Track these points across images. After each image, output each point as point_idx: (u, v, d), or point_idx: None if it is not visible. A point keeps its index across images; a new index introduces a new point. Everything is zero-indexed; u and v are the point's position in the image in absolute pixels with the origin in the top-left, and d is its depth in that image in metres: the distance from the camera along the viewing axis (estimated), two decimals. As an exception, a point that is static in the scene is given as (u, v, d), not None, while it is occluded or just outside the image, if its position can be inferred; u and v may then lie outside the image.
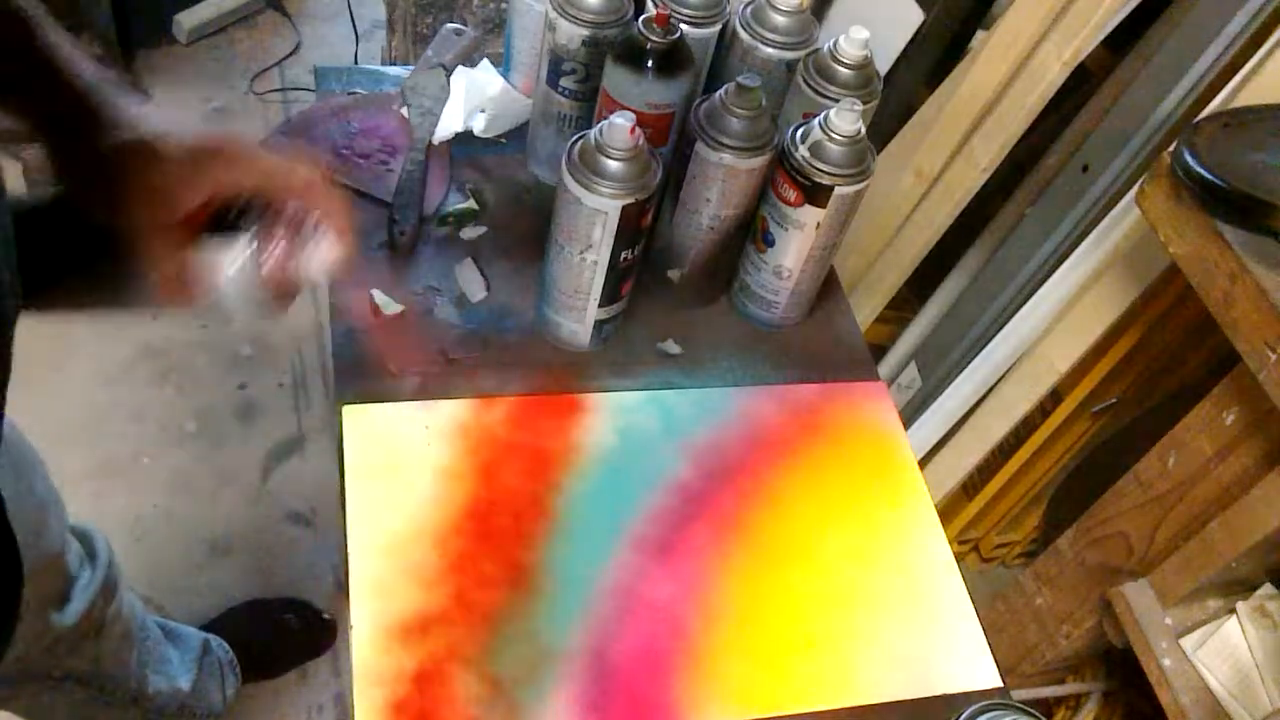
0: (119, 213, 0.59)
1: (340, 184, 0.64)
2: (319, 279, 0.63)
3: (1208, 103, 1.18)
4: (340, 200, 0.63)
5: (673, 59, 0.80)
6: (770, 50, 0.86)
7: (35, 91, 0.59)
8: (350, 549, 0.73)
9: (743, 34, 0.86)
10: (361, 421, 0.79)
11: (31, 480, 0.87)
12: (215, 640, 1.36)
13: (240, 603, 1.49)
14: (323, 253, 0.62)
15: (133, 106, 0.59)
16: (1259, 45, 1.14)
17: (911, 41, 1.39)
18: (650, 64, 0.79)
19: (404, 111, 0.97)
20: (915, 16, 1.38)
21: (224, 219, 0.61)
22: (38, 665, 1.00)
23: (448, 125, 0.95)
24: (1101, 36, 1.25)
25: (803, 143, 0.80)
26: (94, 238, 0.60)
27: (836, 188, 0.80)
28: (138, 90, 0.60)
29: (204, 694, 1.30)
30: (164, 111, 0.60)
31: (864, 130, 0.79)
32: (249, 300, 0.61)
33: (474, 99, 0.96)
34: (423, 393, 0.81)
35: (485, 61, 0.98)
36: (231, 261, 0.61)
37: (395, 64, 1.79)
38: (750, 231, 0.87)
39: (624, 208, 0.75)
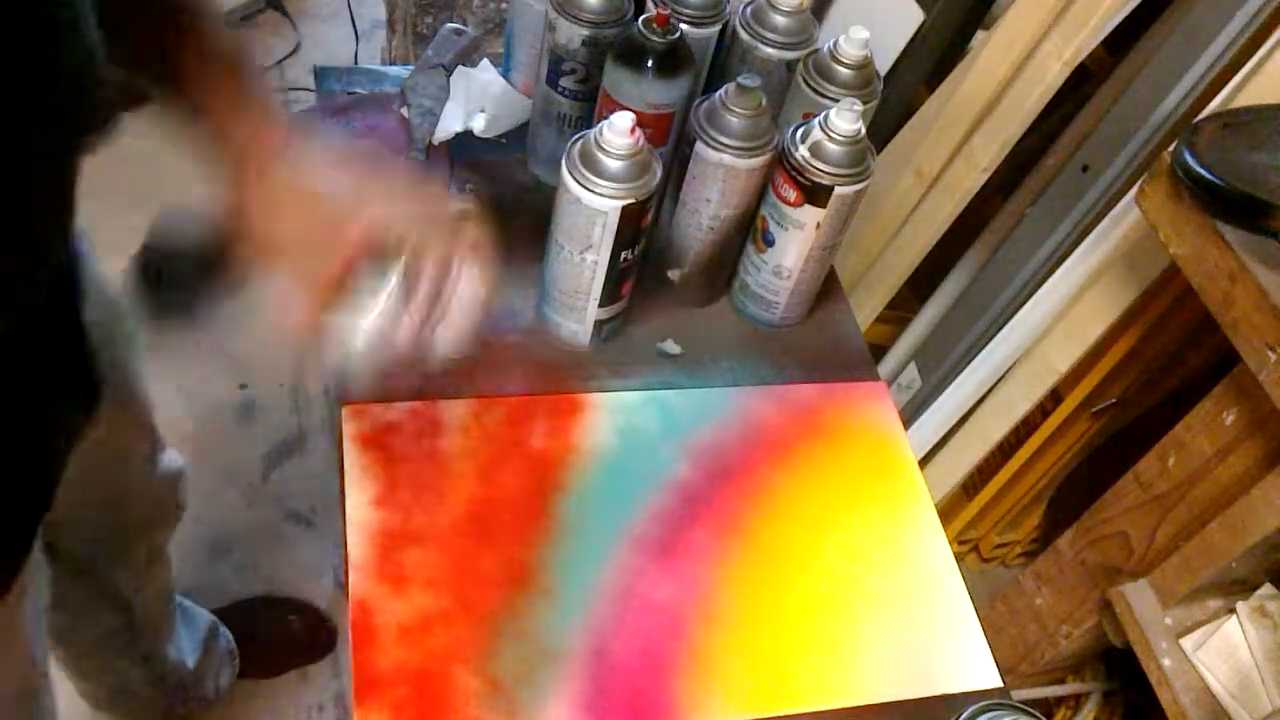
0: (267, 257, 0.57)
1: (486, 240, 0.61)
2: (449, 352, 0.59)
3: (1208, 103, 1.18)
4: (486, 261, 0.60)
5: (673, 59, 0.80)
6: (770, 50, 0.86)
7: (228, 120, 0.58)
8: (350, 549, 0.73)
9: (743, 34, 0.86)
10: (361, 421, 0.79)
11: (123, 323, 0.86)
12: (221, 626, 1.37)
13: (244, 599, 1.50)
14: (456, 324, 0.58)
15: (300, 142, 0.58)
16: (1259, 45, 1.14)
17: (911, 41, 1.39)
18: (650, 64, 0.79)
19: (404, 111, 0.96)
20: (915, 16, 1.38)
21: (366, 268, 0.58)
22: (107, 575, 1.05)
23: (448, 125, 0.95)
24: (1101, 36, 1.25)
25: (803, 143, 0.80)
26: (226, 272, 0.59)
27: (836, 188, 0.80)
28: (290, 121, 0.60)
29: (202, 679, 1.31)
30: (326, 151, 0.59)
31: (864, 130, 0.79)
32: (373, 364, 0.58)
33: (474, 99, 0.96)
34: (423, 393, 0.81)
35: (485, 61, 0.98)
36: (365, 318, 0.57)
37: (395, 64, 1.79)
38: (750, 231, 0.87)
39: (624, 208, 0.75)
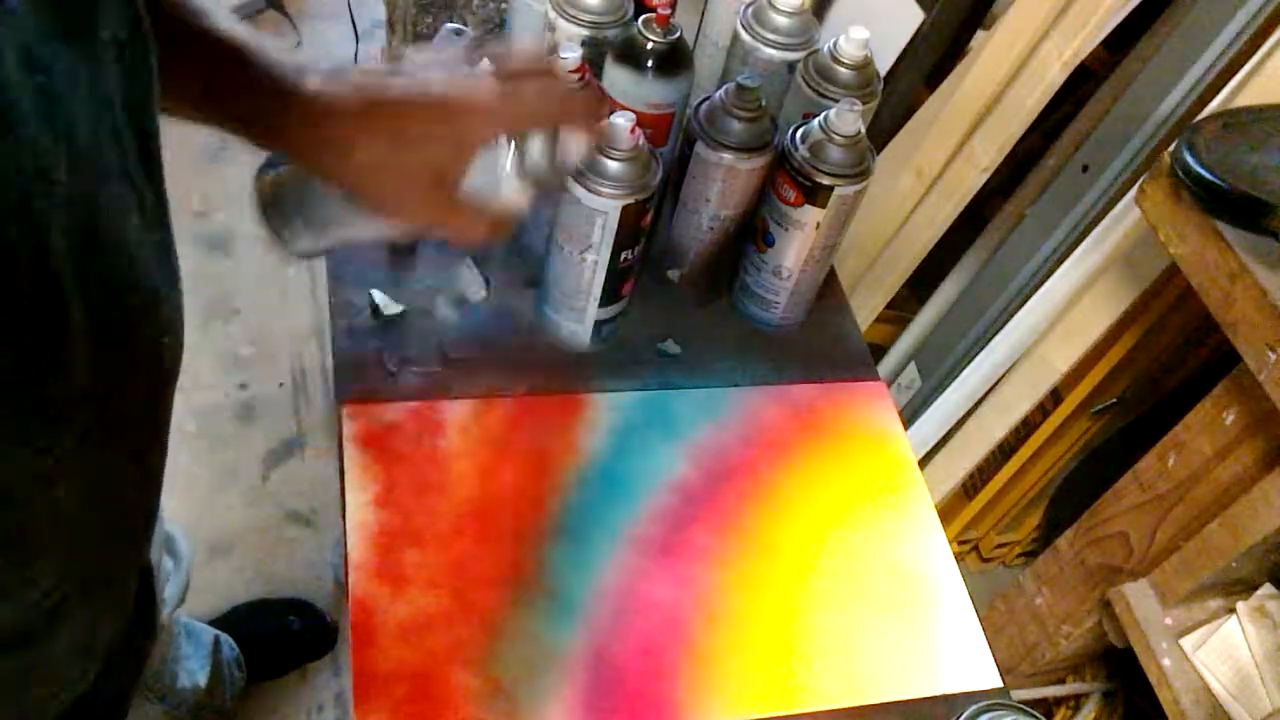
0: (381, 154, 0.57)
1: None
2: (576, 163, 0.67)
3: (1208, 103, 1.18)
4: (587, 101, 0.64)
5: (673, 59, 0.80)
6: (771, 51, 0.86)
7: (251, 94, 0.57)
8: (350, 549, 0.73)
9: (743, 34, 0.86)
10: (361, 421, 0.79)
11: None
12: (224, 637, 1.36)
13: (243, 603, 1.49)
14: (575, 143, 0.62)
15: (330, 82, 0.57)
16: (1259, 45, 1.14)
17: (911, 41, 1.39)
18: (650, 64, 0.79)
19: (404, 111, 0.96)
20: (915, 16, 1.38)
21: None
22: None
23: (448, 125, 0.95)
24: (1101, 36, 1.25)
25: (803, 143, 0.80)
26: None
27: (836, 188, 0.80)
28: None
29: (216, 692, 1.30)
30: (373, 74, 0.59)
31: (864, 130, 0.79)
32: (526, 189, 0.61)
33: (474, 99, 0.95)
34: (423, 393, 0.81)
35: (485, 61, 0.98)
36: (500, 174, 0.60)
37: (395, 64, 1.78)
38: (750, 231, 0.87)
39: (624, 208, 0.75)
